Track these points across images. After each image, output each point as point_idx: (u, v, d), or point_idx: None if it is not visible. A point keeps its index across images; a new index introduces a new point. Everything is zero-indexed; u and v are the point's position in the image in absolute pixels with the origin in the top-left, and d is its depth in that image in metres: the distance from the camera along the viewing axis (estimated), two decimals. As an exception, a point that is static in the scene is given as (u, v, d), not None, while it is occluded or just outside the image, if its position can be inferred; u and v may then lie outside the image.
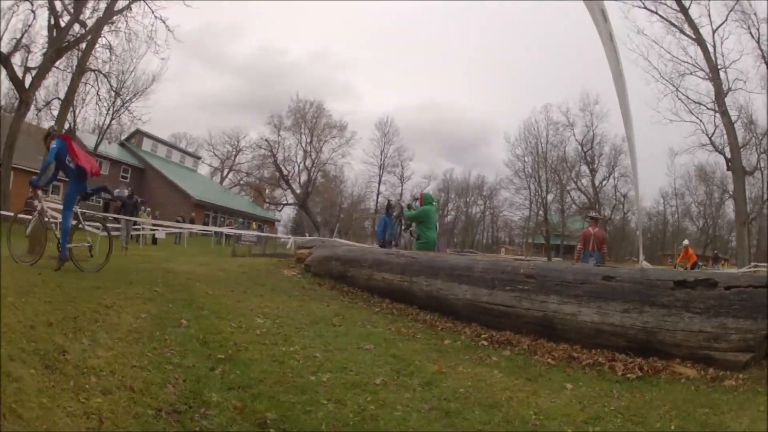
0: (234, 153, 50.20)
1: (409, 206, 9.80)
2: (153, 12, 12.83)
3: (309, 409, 2.69)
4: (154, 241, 18.91)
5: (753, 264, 19.96)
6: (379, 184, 51.68)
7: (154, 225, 18.62)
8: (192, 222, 27.30)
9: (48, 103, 21.63)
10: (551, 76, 71.97)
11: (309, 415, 2.63)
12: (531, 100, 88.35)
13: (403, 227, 10.29)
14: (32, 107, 18.12)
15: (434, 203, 9.22)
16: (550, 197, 47.55)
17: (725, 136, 23.52)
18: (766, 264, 19.68)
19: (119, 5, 12.23)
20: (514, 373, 3.67)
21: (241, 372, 3.14)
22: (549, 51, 72.08)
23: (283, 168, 40.80)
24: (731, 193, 28.60)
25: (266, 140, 40.61)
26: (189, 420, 2.44)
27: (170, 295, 5.17)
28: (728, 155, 23.20)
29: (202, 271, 7.56)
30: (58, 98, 18.62)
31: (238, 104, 68.42)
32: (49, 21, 11.85)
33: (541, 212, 47.81)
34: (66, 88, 15.99)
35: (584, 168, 46.80)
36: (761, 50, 22.88)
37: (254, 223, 38.96)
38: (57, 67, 14.77)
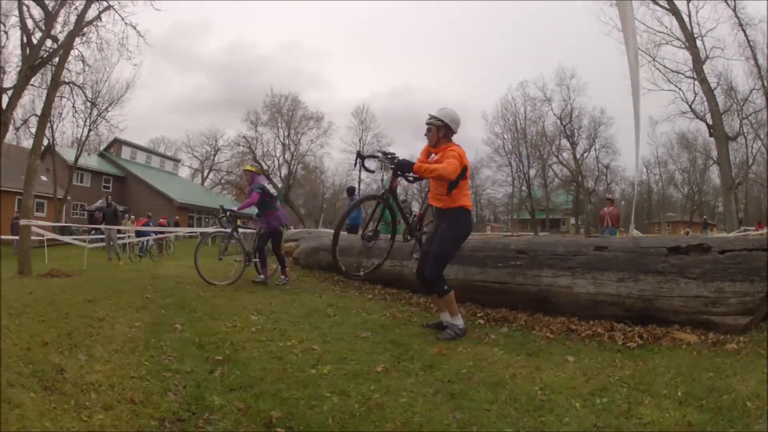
0: (213, 153, 49.99)
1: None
2: (123, 19, 12.56)
3: (314, 404, 2.67)
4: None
5: (742, 228, 20.16)
6: (360, 172, 51.67)
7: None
8: (177, 225, 27.09)
9: (25, 121, 21.31)
10: (524, 55, 72.22)
11: (314, 409, 2.60)
12: (504, 79, 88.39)
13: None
14: (10, 127, 17.88)
15: None
16: (532, 172, 47.88)
17: (705, 103, 23.60)
18: (754, 228, 19.98)
19: (90, 16, 12.02)
20: (515, 350, 3.67)
21: (240, 372, 3.11)
22: (521, 29, 72.22)
23: (262, 163, 40.70)
24: (715, 159, 28.88)
25: (244, 137, 40.73)
26: (193, 427, 2.41)
27: (161, 301, 5.11)
28: (710, 122, 23.29)
29: (190, 274, 7.47)
30: (35, 115, 18.35)
31: (213, 103, 67.34)
32: (21, 39, 11.69)
33: (524, 188, 48.02)
34: (42, 104, 15.82)
35: (564, 142, 47.12)
36: (737, 18, 23.02)
37: (238, 220, 38.69)
38: (32, 84, 14.59)
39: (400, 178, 4.60)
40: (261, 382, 2.96)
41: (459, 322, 4.17)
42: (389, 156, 4.54)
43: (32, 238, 10.76)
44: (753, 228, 20.18)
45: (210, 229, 14.09)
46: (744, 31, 23.22)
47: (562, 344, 3.78)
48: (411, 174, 4.45)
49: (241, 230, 7.92)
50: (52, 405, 2.40)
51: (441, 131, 4.38)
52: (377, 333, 4.17)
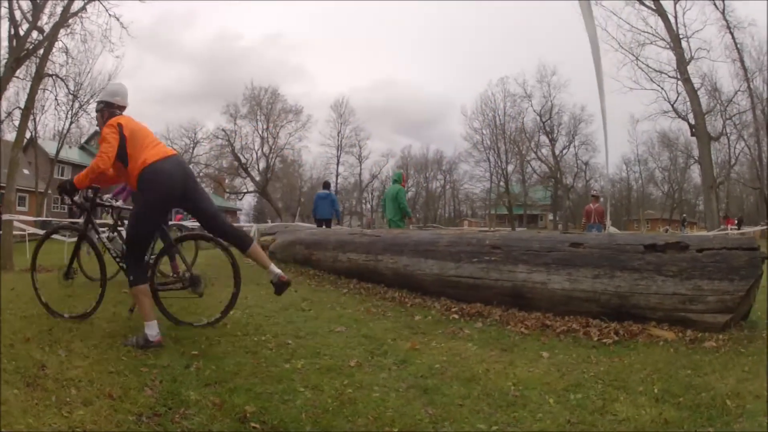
0: (192, 145, 49.52)
1: None
2: (107, 11, 12.50)
3: (287, 399, 2.66)
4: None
5: (722, 227, 20.46)
6: (337, 165, 52.04)
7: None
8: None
9: (9, 114, 20.97)
10: (506, 51, 73.01)
11: (287, 404, 2.60)
12: (486, 74, 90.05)
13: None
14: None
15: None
16: (510, 168, 48.34)
17: (688, 103, 23.87)
18: (734, 227, 20.32)
19: (75, 7, 11.95)
20: (489, 345, 3.69)
21: (216, 367, 3.10)
22: (504, 25, 72.60)
23: (241, 156, 41.00)
24: (696, 158, 29.22)
25: (223, 130, 40.83)
26: (169, 422, 2.40)
27: (139, 296, 5.06)
28: (692, 121, 23.55)
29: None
30: (19, 107, 18.16)
31: (195, 95, 67.24)
32: (9, 31, 11.58)
33: (502, 183, 48.29)
34: (26, 97, 15.70)
35: (543, 138, 47.57)
36: (726, 20, 23.25)
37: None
38: (17, 77, 14.48)
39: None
40: (236, 376, 2.95)
41: (151, 330, 3.43)
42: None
43: (14, 233, 10.64)
44: (727, 226, 20.55)
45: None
46: (732, 33, 23.51)
47: (537, 340, 3.80)
48: (78, 194, 3.84)
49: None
50: (34, 401, 2.41)
51: (104, 114, 3.74)
52: (351, 327, 4.18)
